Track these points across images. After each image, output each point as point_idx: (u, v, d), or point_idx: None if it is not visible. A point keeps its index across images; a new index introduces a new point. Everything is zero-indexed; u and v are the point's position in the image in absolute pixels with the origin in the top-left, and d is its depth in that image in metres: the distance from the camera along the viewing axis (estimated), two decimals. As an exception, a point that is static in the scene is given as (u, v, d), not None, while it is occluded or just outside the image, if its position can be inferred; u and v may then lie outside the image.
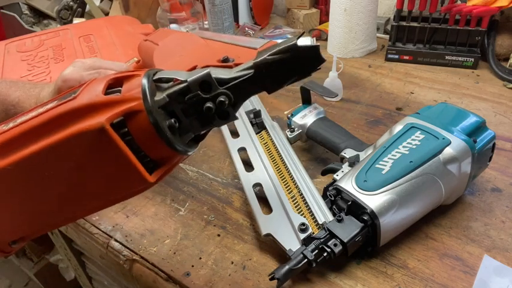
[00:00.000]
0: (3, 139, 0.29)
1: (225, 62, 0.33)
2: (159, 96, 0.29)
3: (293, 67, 0.29)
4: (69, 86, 0.46)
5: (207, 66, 0.31)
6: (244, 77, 0.29)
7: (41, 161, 0.28)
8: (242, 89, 0.29)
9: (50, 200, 0.31)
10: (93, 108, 0.27)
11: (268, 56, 0.29)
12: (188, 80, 0.29)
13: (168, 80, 0.31)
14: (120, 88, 0.29)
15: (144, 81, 0.29)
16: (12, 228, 0.33)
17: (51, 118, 0.28)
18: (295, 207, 0.52)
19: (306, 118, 0.65)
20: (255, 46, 0.37)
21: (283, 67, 0.29)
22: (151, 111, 0.28)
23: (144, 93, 0.28)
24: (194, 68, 0.34)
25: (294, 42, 0.28)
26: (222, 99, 0.29)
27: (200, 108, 0.29)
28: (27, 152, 0.28)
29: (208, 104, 0.29)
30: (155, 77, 0.30)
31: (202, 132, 0.33)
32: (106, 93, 0.28)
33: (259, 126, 0.69)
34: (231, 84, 0.29)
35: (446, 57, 0.91)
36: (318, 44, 0.28)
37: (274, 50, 0.29)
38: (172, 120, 0.29)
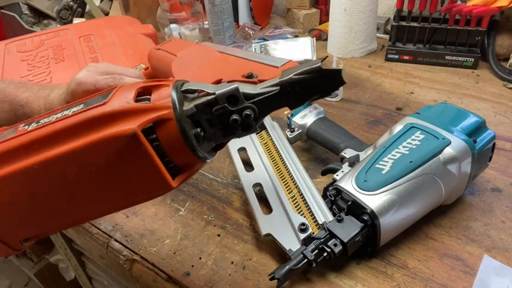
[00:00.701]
0: (29, 138, 0.30)
1: (250, 78, 0.34)
2: (187, 106, 0.31)
3: (316, 87, 0.31)
4: (84, 89, 0.47)
5: (233, 81, 0.33)
6: (270, 93, 0.31)
7: (68, 163, 0.29)
8: (266, 104, 0.31)
9: (71, 201, 0.32)
10: (124, 114, 0.28)
11: (294, 75, 0.31)
12: (216, 92, 0.30)
13: (193, 91, 0.32)
14: (148, 96, 0.30)
15: (174, 91, 0.30)
16: (27, 227, 0.34)
17: (81, 121, 0.29)
18: (295, 207, 0.52)
19: (306, 118, 0.65)
20: (275, 64, 0.39)
21: (306, 86, 0.31)
22: (180, 120, 0.29)
23: (174, 102, 0.29)
24: (219, 81, 0.36)
25: (319, 64, 0.30)
26: (248, 112, 0.31)
27: (225, 119, 0.31)
28: (55, 153, 0.29)
29: (235, 117, 0.31)
30: (183, 88, 0.32)
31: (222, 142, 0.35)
32: (136, 101, 0.30)
33: (259, 126, 0.69)
34: (256, 99, 0.31)
35: (446, 57, 0.91)
36: (341, 68, 0.30)
37: (300, 71, 0.30)
38: (198, 130, 0.31)
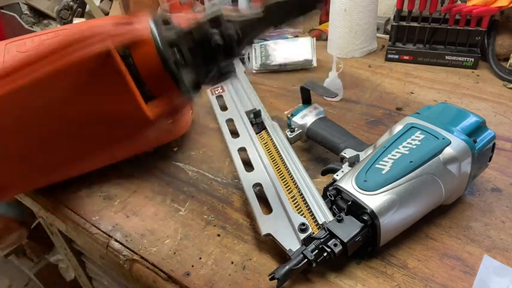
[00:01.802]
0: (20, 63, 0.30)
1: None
2: (168, 32, 0.30)
3: (295, 7, 0.32)
4: None
5: None
6: (253, 16, 0.31)
7: (43, 87, 0.28)
8: (250, 28, 0.31)
9: (49, 138, 0.31)
10: (102, 38, 0.27)
11: None
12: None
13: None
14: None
15: (153, 19, 0.30)
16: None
17: (56, 46, 0.28)
18: (295, 207, 0.52)
19: (306, 118, 0.65)
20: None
21: (287, 7, 0.32)
22: (158, 43, 0.28)
23: (152, 26, 0.29)
24: None
25: None
26: (231, 32, 0.30)
27: (207, 46, 0.30)
28: (32, 77, 0.28)
29: (217, 37, 0.30)
30: (164, 18, 0.31)
31: (205, 80, 0.34)
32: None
33: (259, 126, 0.69)
34: (240, 19, 0.31)
35: (446, 57, 0.91)
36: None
37: None
38: (178, 57, 0.30)
